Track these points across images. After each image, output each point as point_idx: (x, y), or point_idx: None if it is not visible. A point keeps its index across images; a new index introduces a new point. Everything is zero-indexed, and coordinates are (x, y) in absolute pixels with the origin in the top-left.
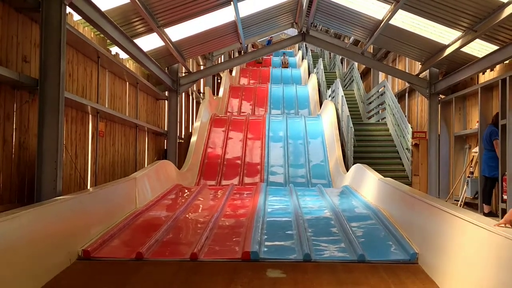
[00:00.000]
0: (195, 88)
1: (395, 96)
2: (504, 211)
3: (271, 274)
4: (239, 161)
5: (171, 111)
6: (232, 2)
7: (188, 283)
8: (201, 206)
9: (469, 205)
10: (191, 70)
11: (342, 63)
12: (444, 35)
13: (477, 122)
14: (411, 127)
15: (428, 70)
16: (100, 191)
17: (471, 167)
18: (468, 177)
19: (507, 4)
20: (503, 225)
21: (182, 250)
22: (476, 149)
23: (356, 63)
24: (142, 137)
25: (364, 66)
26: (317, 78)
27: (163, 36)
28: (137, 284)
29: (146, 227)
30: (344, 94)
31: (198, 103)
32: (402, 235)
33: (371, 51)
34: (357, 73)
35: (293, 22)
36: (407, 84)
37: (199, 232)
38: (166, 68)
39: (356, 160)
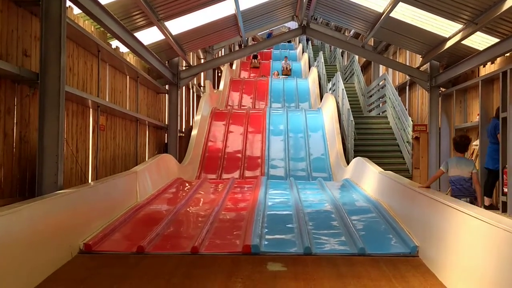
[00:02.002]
0: (195, 82)
1: (395, 89)
2: (504, 204)
3: (272, 267)
4: (239, 155)
5: (172, 105)
6: None
7: (189, 276)
8: (201, 199)
9: None
10: (191, 63)
11: (342, 56)
12: (444, 27)
13: (478, 115)
14: (412, 120)
15: (428, 63)
16: (101, 185)
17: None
18: None
19: None
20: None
21: (183, 243)
22: (477, 142)
23: (356, 56)
24: (142, 131)
25: (364, 59)
26: (318, 71)
27: (163, 29)
28: (138, 278)
29: (147, 221)
30: (345, 87)
31: (198, 97)
32: (403, 228)
33: (372, 44)
34: (358, 66)
35: (294, 15)
36: (407, 77)
37: (200, 226)
38: (166, 62)
39: (357, 153)
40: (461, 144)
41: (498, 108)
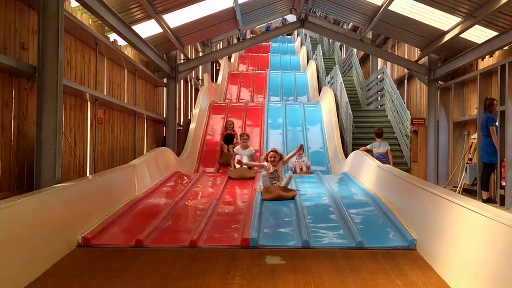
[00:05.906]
0: (193, 75)
1: (394, 82)
2: (502, 198)
3: (270, 260)
4: None
5: (170, 98)
6: None
7: (187, 269)
8: (200, 193)
9: (468, 191)
10: (189, 56)
11: (341, 49)
12: (443, 21)
13: (476, 108)
14: (410, 114)
15: (427, 56)
16: (99, 178)
17: (470, 153)
18: (467, 163)
19: None
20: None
21: (182, 237)
22: (475, 135)
23: (355, 50)
24: (141, 124)
25: (363, 52)
26: (316, 65)
27: (161, 22)
28: (137, 271)
29: (146, 214)
30: (343, 81)
31: (196, 90)
32: (401, 221)
33: (370, 37)
34: (356, 59)
35: (292, 8)
36: (406, 70)
37: (198, 219)
38: (164, 55)
39: (355, 147)
40: (378, 133)
41: (485, 101)
